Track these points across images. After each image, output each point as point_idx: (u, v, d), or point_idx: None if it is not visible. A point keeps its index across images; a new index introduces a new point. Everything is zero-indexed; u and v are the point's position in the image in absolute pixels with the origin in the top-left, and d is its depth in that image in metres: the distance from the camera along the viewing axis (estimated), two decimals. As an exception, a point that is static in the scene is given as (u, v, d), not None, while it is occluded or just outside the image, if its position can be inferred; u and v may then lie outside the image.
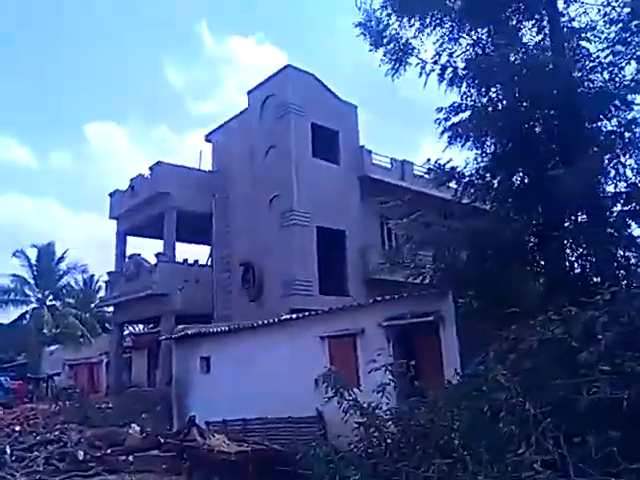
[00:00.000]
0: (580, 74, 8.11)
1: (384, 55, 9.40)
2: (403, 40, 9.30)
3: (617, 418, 4.67)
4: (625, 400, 4.55)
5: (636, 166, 8.09)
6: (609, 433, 4.57)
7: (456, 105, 8.87)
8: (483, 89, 8.88)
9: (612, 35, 8.23)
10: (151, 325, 30.45)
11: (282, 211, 20.01)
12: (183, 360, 17.12)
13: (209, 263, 24.77)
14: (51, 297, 38.12)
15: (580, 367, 5.20)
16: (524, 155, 8.40)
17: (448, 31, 9.16)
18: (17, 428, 16.18)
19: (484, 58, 8.52)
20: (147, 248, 34.04)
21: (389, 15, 9.38)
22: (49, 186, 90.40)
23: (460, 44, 8.97)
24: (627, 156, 8.05)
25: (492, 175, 9.03)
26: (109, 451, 13.15)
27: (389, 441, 6.71)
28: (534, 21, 8.92)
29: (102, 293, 35.48)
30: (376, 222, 22.54)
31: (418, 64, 9.24)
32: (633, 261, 8.11)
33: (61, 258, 37.87)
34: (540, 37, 8.77)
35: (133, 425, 14.80)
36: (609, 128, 8.29)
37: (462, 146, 8.88)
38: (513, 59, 8.34)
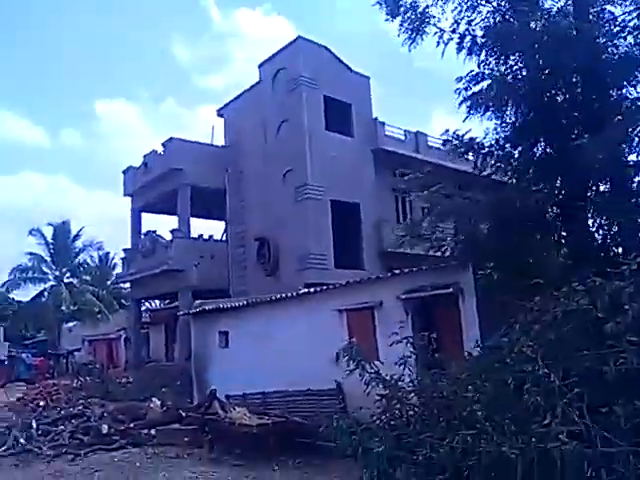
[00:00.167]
0: (604, 40, 7.87)
1: (401, 24, 9.16)
2: (420, 9, 9.04)
3: (645, 389, 4.65)
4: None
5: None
6: (637, 404, 4.55)
7: (476, 74, 8.68)
8: (502, 58, 8.67)
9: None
10: (167, 301, 30.74)
11: (296, 185, 19.94)
12: (202, 335, 17.31)
13: (224, 238, 24.85)
14: (68, 274, 38.60)
15: (606, 338, 5.15)
16: (546, 124, 8.22)
17: (467, -2, 8.91)
18: (41, 403, 16.50)
19: (504, 25, 8.29)
20: (162, 225, 34.23)
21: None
22: (61, 164, 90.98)
23: (479, 12, 8.70)
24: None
25: (513, 145, 8.86)
26: (131, 425, 13.40)
27: (411, 413, 6.74)
28: (557, -14, 8.65)
29: (118, 270, 35.90)
30: (390, 195, 22.44)
31: (436, 33, 8.99)
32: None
33: (77, 236, 38.29)
34: (562, 2, 8.51)
35: (154, 399, 15.03)
36: (634, 95, 8.07)
37: (481, 116, 8.72)
38: (534, 26, 8.12)
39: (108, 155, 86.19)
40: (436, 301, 11.03)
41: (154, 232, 24.53)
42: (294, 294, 14.57)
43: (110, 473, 10.12)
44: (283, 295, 14.65)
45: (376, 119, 22.51)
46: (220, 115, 25.56)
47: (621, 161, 7.98)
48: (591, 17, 8.04)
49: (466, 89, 8.69)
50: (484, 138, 9.06)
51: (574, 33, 7.68)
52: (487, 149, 9.05)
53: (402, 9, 9.09)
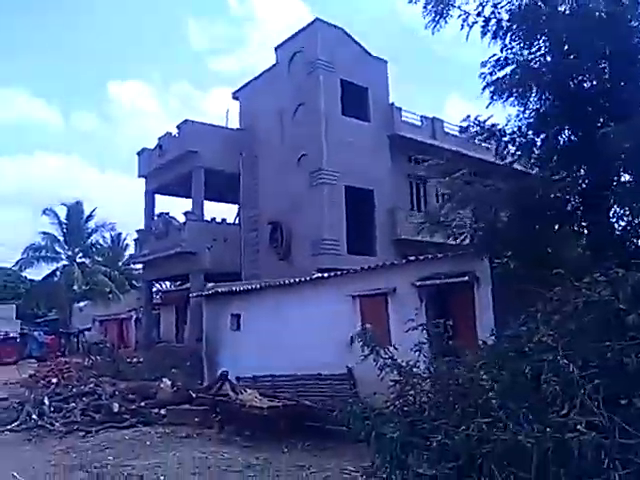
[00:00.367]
0: (638, 23, 7.66)
1: (424, 7, 8.96)
2: (445, -10, 8.84)
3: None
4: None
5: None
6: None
7: (500, 59, 8.49)
8: (527, 42, 8.46)
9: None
10: (178, 282, 30.91)
11: (311, 170, 19.85)
12: (213, 317, 17.35)
13: (237, 222, 24.86)
14: (80, 254, 38.83)
15: (628, 330, 5.06)
16: (571, 112, 8.03)
17: (493, -20, 8.69)
18: (53, 380, 16.67)
19: (531, 8, 8.09)
20: (176, 207, 34.28)
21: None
22: (75, 145, 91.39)
23: (506, -6, 8.51)
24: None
25: (535, 133, 8.67)
26: (142, 404, 13.51)
27: (424, 400, 6.70)
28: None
29: (130, 251, 36.10)
30: (405, 181, 22.30)
31: (460, 16, 8.79)
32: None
33: (89, 216, 38.46)
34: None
35: (164, 379, 15.16)
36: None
37: (504, 102, 8.53)
38: (562, 9, 7.92)
39: (121, 137, 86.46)
40: (451, 289, 10.96)
41: (167, 214, 24.60)
42: (307, 279, 14.54)
43: (121, 451, 10.19)
44: (296, 279, 14.62)
45: (393, 104, 22.31)
46: (235, 98, 25.45)
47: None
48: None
49: (491, 74, 8.49)
50: (506, 125, 8.88)
51: (604, 17, 7.46)
52: (509, 136, 8.87)
53: (426, -10, 8.88)
